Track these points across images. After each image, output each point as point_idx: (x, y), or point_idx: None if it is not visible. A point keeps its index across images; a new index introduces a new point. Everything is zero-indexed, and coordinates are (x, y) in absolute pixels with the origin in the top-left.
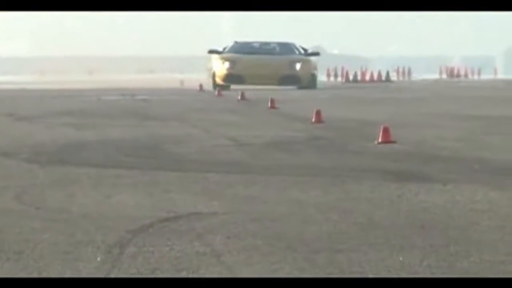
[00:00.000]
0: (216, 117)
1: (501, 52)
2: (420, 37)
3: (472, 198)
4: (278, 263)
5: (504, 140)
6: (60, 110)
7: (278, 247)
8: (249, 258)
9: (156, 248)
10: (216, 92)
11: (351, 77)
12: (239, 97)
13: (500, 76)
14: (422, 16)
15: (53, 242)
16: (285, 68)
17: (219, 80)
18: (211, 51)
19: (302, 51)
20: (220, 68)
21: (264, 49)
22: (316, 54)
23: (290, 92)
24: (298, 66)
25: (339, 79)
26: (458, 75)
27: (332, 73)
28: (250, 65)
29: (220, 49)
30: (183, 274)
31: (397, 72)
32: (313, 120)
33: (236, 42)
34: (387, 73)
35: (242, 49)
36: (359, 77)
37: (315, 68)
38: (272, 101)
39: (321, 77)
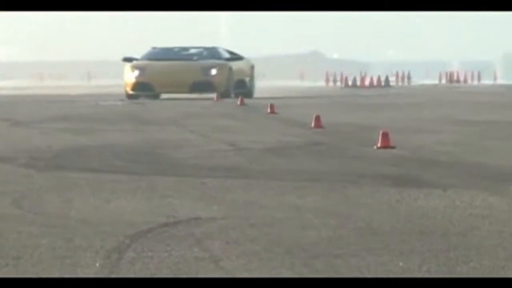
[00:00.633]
0: (214, 122)
1: (499, 57)
2: (419, 42)
3: (472, 203)
4: (276, 269)
5: (503, 145)
6: (57, 115)
7: (276, 253)
8: (248, 263)
9: (155, 253)
10: (215, 97)
11: (350, 82)
12: (238, 103)
13: (500, 81)
14: (421, 21)
15: (52, 247)
16: (198, 74)
17: (128, 90)
18: (126, 59)
19: (227, 56)
20: (129, 76)
21: (180, 54)
22: (239, 58)
23: (290, 96)
24: (213, 72)
25: (338, 84)
26: (458, 80)
27: (331, 78)
28: (159, 72)
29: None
30: None
31: (397, 77)
32: (313, 125)
33: (153, 48)
34: (386, 78)
35: (156, 55)
36: (358, 82)
37: (246, 74)
38: (272, 106)
39: (320, 82)
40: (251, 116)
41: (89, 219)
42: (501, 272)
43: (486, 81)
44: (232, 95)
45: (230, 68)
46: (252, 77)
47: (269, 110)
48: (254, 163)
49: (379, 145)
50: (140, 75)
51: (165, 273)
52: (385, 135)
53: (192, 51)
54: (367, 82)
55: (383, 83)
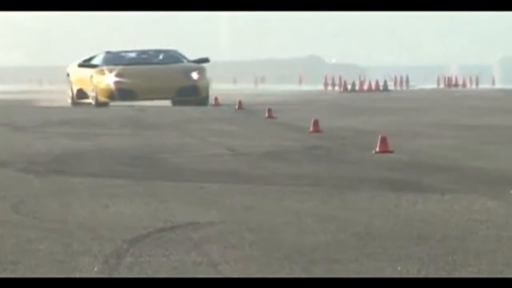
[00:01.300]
0: (213, 127)
1: (496, 61)
2: (417, 47)
3: (470, 208)
4: (275, 274)
5: (502, 150)
6: (57, 120)
7: (275, 257)
8: (246, 268)
9: (153, 258)
10: (213, 101)
11: (349, 87)
12: (236, 107)
13: (498, 85)
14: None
15: (50, 252)
16: (183, 79)
17: (102, 97)
18: (83, 65)
19: (188, 58)
20: (102, 82)
21: (144, 58)
22: (205, 60)
23: (288, 100)
24: (195, 75)
25: (337, 88)
26: (456, 85)
27: (330, 82)
28: (141, 77)
29: (91, 61)
30: None
31: (395, 81)
32: (311, 129)
33: (107, 52)
34: (385, 82)
35: (120, 60)
36: (357, 87)
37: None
38: (270, 110)
39: (319, 86)
40: (249, 121)
41: (88, 224)
42: (499, 277)
43: (485, 85)
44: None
45: (206, 72)
46: (207, 82)
47: (267, 115)
48: (252, 168)
49: (377, 149)
50: (118, 81)
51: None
52: (383, 140)
53: (152, 53)
54: (365, 87)
55: (381, 88)
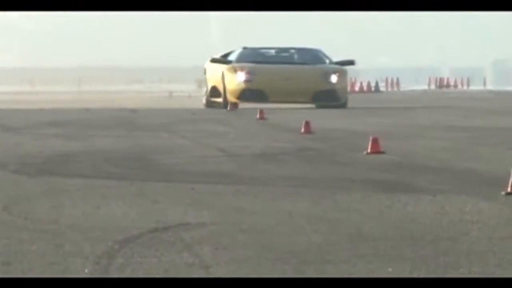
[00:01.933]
0: (205, 128)
1: (489, 63)
2: (410, 49)
3: (462, 209)
4: (267, 275)
5: (493, 151)
6: (48, 121)
7: (267, 259)
8: (238, 269)
9: (145, 259)
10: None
11: None
12: (228, 108)
13: (490, 87)
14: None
15: (42, 253)
16: (320, 82)
17: (231, 97)
18: (215, 60)
19: (331, 60)
20: (233, 81)
21: (283, 57)
22: (350, 63)
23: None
24: (334, 78)
25: None
26: (447, 86)
27: None
28: (273, 77)
29: (223, 57)
30: None
31: (386, 82)
32: (302, 130)
33: (244, 48)
34: (376, 84)
35: (255, 57)
36: (348, 88)
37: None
38: (261, 112)
39: None
40: (241, 122)
41: (79, 225)
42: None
43: (476, 87)
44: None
45: (347, 75)
46: (347, 86)
47: (258, 116)
48: (244, 169)
49: (369, 150)
50: (248, 79)
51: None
52: (375, 141)
53: (292, 52)
54: (357, 88)
55: (373, 89)
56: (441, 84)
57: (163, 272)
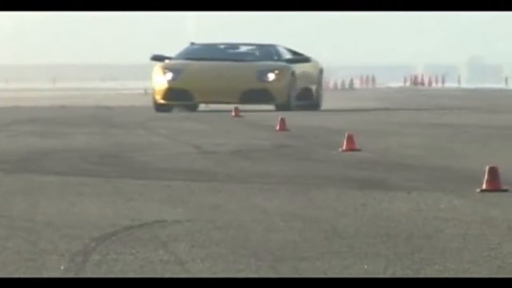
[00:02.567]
0: (180, 125)
1: (464, 61)
2: (385, 47)
3: (436, 206)
4: (242, 271)
5: (468, 148)
6: (23, 118)
7: (242, 255)
8: (213, 266)
9: (120, 256)
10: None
11: None
12: (204, 106)
13: (464, 84)
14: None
15: (17, 250)
16: (251, 80)
17: (158, 98)
18: (156, 57)
19: (289, 56)
20: (160, 81)
21: (227, 53)
22: (305, 60)
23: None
24: (271, 76)
25: None
26: (422, 83)
27: None
28: (200, 76)
29: (172, 55)
30: None
31: (361, 79)
32: (278, 128)
33: (192, 44)
34: (351, 81)
35: (196, 53)
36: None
37: (313, 81)
38: (236, 109)
39: None
40: (216, 119)
41: (55, 222)
42: (465, 275)
43: (450, 84)
44: (293, 107)
45: (293, 73)
46: (320, 84)
47: (233, 113)
48: (220, 166)
49: (344, 148)
50: (173, 79)
51: (130, 276)
52: (350, 138)
53: (243, 49)
54: (331, 85)
55: (347, 86)
56: (416, 81)
57: (138, 269)
